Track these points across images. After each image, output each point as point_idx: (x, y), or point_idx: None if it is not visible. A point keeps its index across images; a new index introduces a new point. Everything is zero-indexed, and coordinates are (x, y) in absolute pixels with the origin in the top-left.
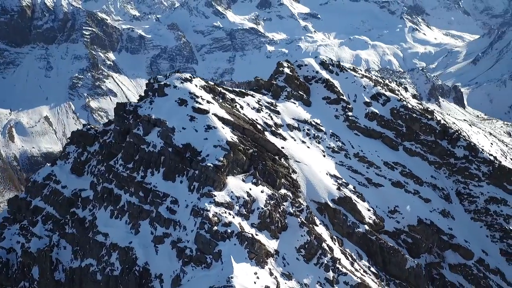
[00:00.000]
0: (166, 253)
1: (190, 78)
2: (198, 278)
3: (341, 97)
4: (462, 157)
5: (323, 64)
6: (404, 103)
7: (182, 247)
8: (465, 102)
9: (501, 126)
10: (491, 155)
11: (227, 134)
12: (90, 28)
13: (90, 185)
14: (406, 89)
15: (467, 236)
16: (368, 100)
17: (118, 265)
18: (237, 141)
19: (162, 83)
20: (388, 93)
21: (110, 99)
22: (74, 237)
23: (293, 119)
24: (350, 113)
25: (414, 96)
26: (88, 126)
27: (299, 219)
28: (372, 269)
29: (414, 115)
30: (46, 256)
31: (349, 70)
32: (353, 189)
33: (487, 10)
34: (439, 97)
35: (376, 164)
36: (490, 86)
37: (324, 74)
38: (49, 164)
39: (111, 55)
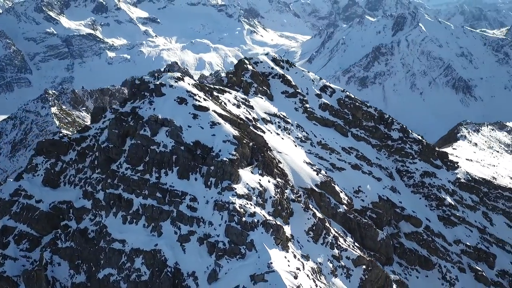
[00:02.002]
0: (195, 250)
1: (182, 77)
2: (235, 269)
3: (297, 90)
4: (397, 139)
5: (274, 60)
6: (347, 93)
7: (213, 242)
8: None
9: None
10: (419, 135)
11: (231, 129)
12: None
13: (84, 194)
14: None
15: (413, 207)
16: (318, 92)
17: (145, 270)
18: (239, 135)
19: (158, 82)
20: (333, 86)
21: None
22: (73, 250)
23: (265, 113)
24: (307, 105)
25: None
26: (61, 134)
27: (301, 204)
28: (356, 244)
29: (357, 103)
30: (37, 276)
31: (296, 66)
32: (325, 174)
33: (314, 13)
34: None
35: (336, 150)
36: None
37: (279, 70)
38: (11, 179)
39: None
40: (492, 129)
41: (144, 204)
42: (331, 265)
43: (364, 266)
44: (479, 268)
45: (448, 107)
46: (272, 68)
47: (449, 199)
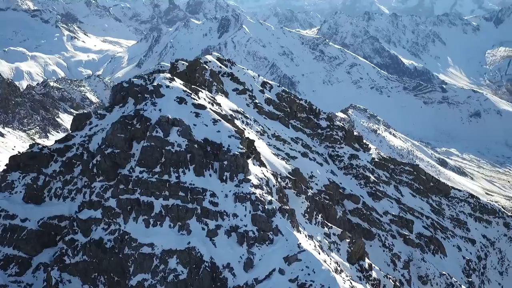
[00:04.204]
0: (225, 243)
1: (172, 77)
2: (268, 254)
3: (246, 87)
4: (326, 127)
5: (219, 60)
6: (283, 88)
7: (242, 232)
8: None
9: None
10: (340, 122)
11: (229, 125)
12: None
13: (88, 205)
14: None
15: (349, 186)
16: (261, 88)
17: (182, 269)
18: (239, 130)
19: (156, 84)
20: (271, 82)
21: None
22: (87, 264)
23: (230, 109)
24: (256, 101)
25: None
26: (40, 146)
27: (292, 190)
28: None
29: (292, 97)
30: None
31: (237, 65)
32: (288, 163)
33: (136, 17)
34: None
35: (287, 141)
36: None
37: (226, 68)
38: None
39: None
40: None
41: (167, 205)
42: (326, 241)
43: (347, 240)
44: (406, 233)
45: None
46: (220, 67)
47: (372, 177)
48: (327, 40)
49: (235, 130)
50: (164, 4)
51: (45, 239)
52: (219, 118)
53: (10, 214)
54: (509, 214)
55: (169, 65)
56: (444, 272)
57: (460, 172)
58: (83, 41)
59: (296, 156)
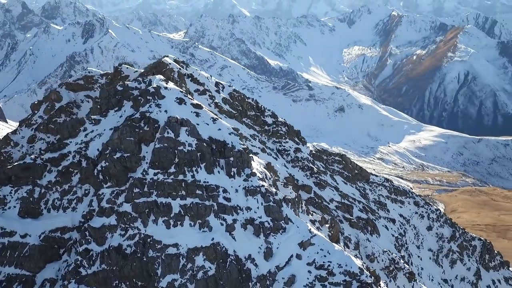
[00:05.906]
0: (243, 236)
1: (166, 79)
2: (283, 242)
3: (205, 88)
4: (272, 123)
5: (176, 61)
6: (233, 87)
7: (258, 224)
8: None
9: None
10: (283, 118)
11: (225, 122)
12: None
13: (100, 212)
14: None
15: (299, 178)
16: (216, 88)
17: (210, 265)
18: (234, 127)
19: (155, 85)
20: (222, 82)
21: None
22: (107, 272)
23: None
24: (216, 101)
25: None
26: (33, 156)
27: (280, 182)
28: None
29: (242, 96)
30: None
31: (191, 66)
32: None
33: None
34: None
35: (248, 138)
36: (22, 97)
37: (184, 70)
38: None
39: None
40: None
41: (185, 204)
42: (314, 228)
43: (327, 225)
44: (350, 217)
45: None
46: (180, 68)
47: (315, 168)
48: (196, 43)
49: (233, 128)
50: (17, 9)
51: (48, 254)
52: (216, 116)
53: (8, 231)
54: (417, 194)
55: (99, 70)
56: (385, 249)
57: None
58: None
59: (257, 152)
